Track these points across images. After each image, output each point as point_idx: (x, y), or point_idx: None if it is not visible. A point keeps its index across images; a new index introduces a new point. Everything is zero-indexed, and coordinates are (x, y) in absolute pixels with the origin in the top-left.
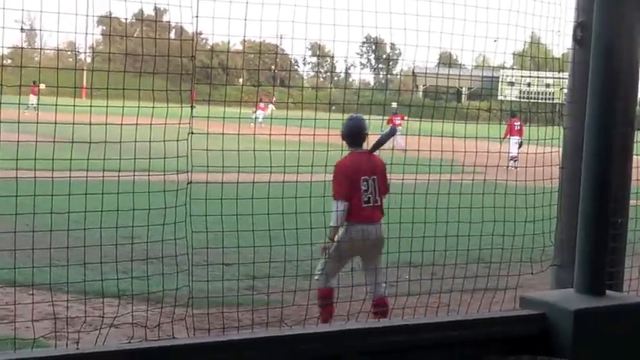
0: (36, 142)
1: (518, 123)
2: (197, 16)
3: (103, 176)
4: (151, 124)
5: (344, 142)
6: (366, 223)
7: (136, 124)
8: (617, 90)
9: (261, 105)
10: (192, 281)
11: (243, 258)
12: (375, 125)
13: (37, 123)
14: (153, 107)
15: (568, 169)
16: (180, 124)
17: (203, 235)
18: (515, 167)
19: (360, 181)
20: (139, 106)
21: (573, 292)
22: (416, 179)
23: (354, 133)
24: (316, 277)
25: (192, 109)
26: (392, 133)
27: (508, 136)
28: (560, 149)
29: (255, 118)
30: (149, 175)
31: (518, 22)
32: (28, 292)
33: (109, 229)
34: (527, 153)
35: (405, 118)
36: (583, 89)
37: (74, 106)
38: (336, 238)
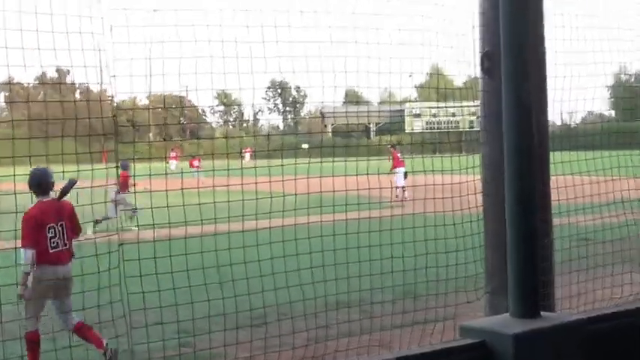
0: None
1: (400, 154)
2: (114, 76)
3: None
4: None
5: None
6: (54, 265)
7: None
8: (531, 114)
9: (172, 154)
10: (133, 344)
11: (179, 314)
12: (287, 169)
13: None
14: (77, 170)
15: (489, 196)
16: (107, 185)
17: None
18: (405, 199)
19: (46, 228)
20: (63, 171)
21: (509, 316)
22: (346, 219)
23: (37, 184)
24: (25, 324)
25: (117, 169)
26: (72, 183)
27: (396, 168)
28: (478, 176)
29: (167, 168)
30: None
31: (422, 55)
32: None
33: None
34: (446, 183)
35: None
36: (495, 116)
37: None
38: (29, 283)
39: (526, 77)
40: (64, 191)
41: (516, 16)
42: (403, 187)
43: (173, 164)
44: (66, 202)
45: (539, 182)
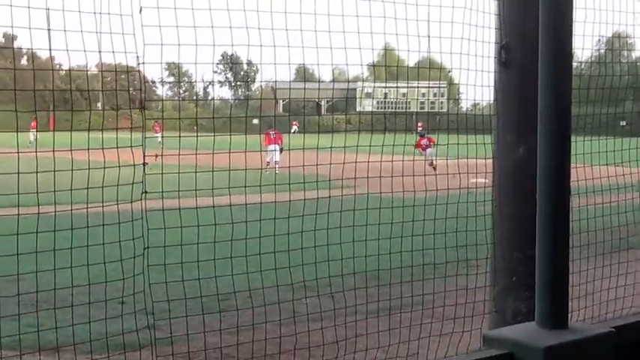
0: None
1: (274, 132)
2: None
3: None
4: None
5: None
6: None
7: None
8: (568, 108)
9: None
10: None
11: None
12: (238, 142)
13: None
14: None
15: (504, 192)
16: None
17: None
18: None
19: None
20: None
21: (536, 326)
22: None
23: None
24: None
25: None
26: None
27: (266, 145)
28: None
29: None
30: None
31: (373, 30)
32: None
33: None
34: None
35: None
36: (512, 112)
37: None
38: None
39: (565, 70)
40: None
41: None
42: (276, 162)
43: (159, 136)
44: None
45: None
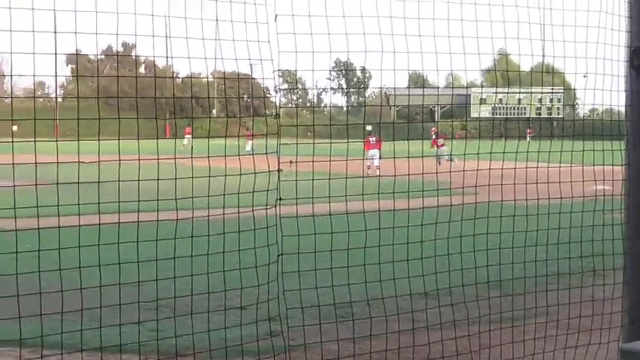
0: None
1: (374, 138)
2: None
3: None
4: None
5: None
6: None
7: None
8: None
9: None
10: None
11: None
12: (352, 148)
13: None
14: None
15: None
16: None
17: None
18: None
19: None
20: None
21: None
22: (438, 206)
23: None
24: None
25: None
26: None
27: (367, 151)
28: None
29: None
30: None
31: (492, 35)
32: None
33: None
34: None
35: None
36: None
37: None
38: None
39: None
40: None
41: None
42: (377, 167)
43: (249, 145)
44: None
45: None
